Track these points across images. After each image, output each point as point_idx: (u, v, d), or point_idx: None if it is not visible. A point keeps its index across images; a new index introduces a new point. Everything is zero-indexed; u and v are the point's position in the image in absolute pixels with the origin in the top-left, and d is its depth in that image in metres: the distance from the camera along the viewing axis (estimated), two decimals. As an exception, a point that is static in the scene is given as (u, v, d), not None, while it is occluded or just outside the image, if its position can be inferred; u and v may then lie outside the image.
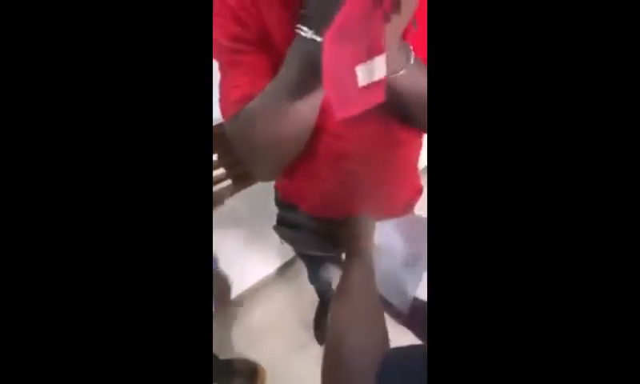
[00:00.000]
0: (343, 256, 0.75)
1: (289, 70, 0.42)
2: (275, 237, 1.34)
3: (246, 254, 1.46)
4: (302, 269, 1.53)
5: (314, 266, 0.95)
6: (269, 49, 0.48)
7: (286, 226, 0.82)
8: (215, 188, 1.49)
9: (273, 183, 0.84)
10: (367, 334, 0.34)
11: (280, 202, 0.82)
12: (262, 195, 1.51)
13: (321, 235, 0.75)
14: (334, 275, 0.72)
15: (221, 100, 0.52)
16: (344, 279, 0.42)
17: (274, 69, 0.47)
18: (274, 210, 0.86)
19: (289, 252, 1.50)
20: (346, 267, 0.43)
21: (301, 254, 0.95)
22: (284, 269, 1.55)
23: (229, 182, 1.50)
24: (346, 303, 0.39)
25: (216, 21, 0.46)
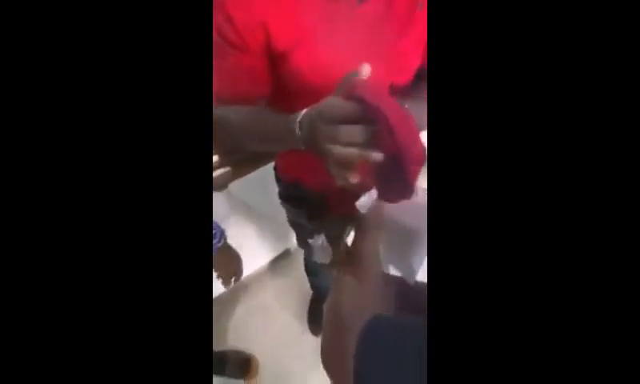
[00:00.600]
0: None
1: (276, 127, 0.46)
2: (268, 229, 1.34)
3: (240, 246, 1.46)
4: (296, 260, 1.55)
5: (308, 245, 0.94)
6: (259, 56, 0.50)
7: (289, 202, 0.81)
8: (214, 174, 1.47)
9: (268, 175, 0.84)
10: (369, 305, 0.35)
11: (280, 179, 0.82)
12: (257, 188, 1.51)
13: (326, 210, 0.75)
14: (322, 253, 0.72)
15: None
16: (353, 249, 0.43)
17: (260, 74, 0.52)
18: (267, 203, 0.86)
19: (283, 244, 1.50)
20: (355, 239, 0.44)
21: (293, 224, 0.94)
22: (278, 260, 1.55)
23: (226, 169, 1.49)
24: (351, 271, 0.40)
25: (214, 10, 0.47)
